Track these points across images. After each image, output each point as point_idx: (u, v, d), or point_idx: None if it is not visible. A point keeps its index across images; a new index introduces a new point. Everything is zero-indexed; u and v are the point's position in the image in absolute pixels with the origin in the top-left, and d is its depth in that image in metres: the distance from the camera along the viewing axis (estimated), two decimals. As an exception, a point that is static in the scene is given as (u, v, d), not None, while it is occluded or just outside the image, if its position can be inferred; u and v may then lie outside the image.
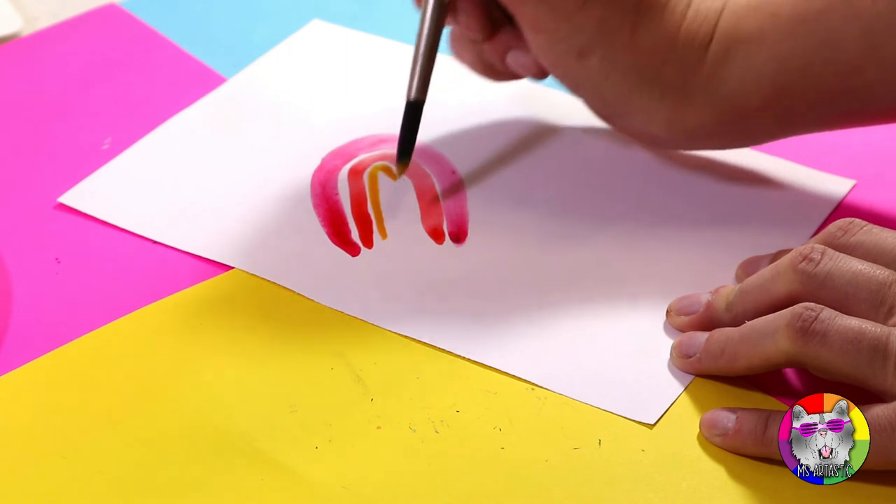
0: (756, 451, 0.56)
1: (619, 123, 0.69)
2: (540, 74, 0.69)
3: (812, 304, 0.56)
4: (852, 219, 0.60)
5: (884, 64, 0.63)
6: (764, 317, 0.58)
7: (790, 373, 0.60)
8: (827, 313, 0.56)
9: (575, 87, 0.68)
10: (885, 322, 0.56)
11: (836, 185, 0.70)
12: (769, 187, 0.70)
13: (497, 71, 0.71)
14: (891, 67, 0.63)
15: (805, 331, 0.56)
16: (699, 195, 0.70)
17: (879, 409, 0.55)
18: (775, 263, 0.60)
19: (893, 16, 0.63)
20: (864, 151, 0.72)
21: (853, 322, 0.56)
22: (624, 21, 0.65)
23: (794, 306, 0.57)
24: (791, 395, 0.59)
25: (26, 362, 0.61)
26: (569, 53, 0.66)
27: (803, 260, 0.58)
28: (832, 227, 0.60)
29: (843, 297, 0.57)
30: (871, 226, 0.60)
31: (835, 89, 0.65)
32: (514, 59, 0.69)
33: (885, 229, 0.60)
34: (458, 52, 0.71)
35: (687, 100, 0.66)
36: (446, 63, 0.77)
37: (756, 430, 0.56)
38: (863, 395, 0.56)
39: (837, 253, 0.58)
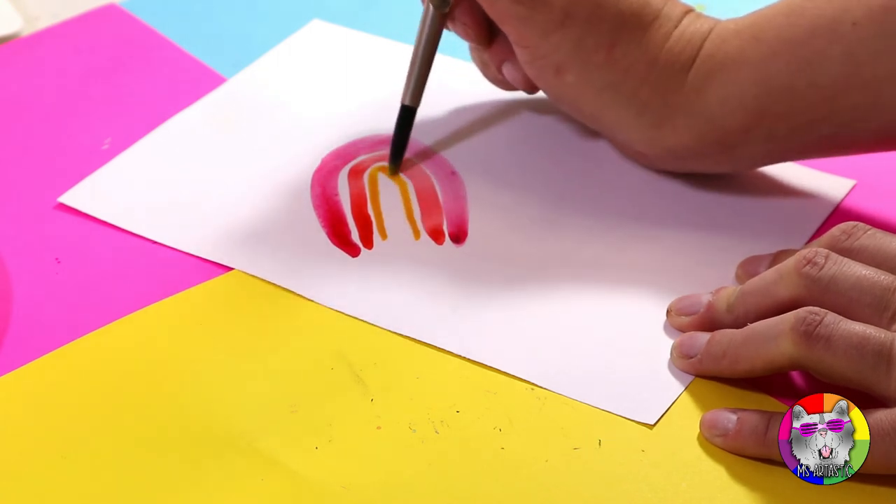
0: (757, 452, 0.56)
1: (607, 137, 0.71)
2: (530, 88, 0.71)
3: (816, 309, 0.56)
4: (856, 222, 0.60)
5: (866, 87, 0.64)
6: (767, 320, 0.58)
7: (791, 373, 0.60)
8: (831, 318, 0.56)
9: (556, 100, 0.70)
10: (888, 327, 0.56)
11: (836, 186, 0.70)
12: (769, 187, 0.70)
13: (501, 80, 0.72)
14: (873, 91, 0.64)
15: (809, 335, 0.56)
16: (699, 195, 0.70)
17: (882, 414, 0.55)
18: (778, 266, 0.59)
19: (874, 40, 0.63)
20: (864, 152, 0.72)
21: (857, 327, 0.56)
22: (601, 41, 0.66)
23: (798, 310, 0.57)
24: (791, 395, 0.59)
25: (26, 362, 0.61)
26: (547, 69, 0.67)
27: (807, 264, 0.58)
28: (836, 230, 0.60)
29: (847, 302, 0.57)
30: (874, 230, 0.60)
31: (818, 111, 0.65)
32: (507, 71, 0.71)
33: (889, 234, 0.59)
34: (473, 58, 0.73)
35: (667, 119, 0.67)
36: (447, 64, 0.77)
37: (757, 432, 0.56)
38: (865, 400, 0.56)
39: (841, 257, 0.58)
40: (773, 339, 0.57)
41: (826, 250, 0.58)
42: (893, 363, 0.55)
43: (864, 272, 0.57)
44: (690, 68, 0.66)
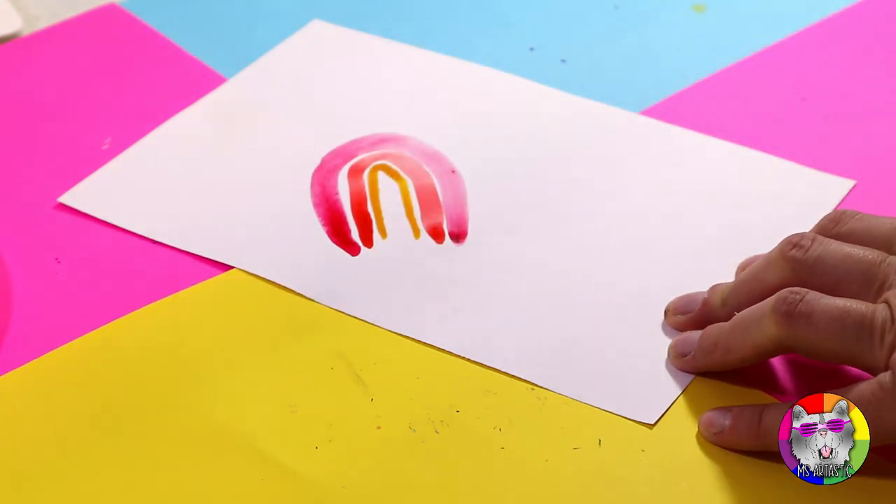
0: (753, 443, 0.56)
1: None
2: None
3: (797, 288, 0.56)
4: (845, 209, 0.60)
5: None
6: (752, 307, 0.58)
7: (789, 371, 0.60)
8: (812, 295, 0.56)
9: None
10: (874, 300, 0.56)
11: (836, 185, 0.70)
12: (769, 187, 0.70)
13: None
14: None
15: (790, 314, 0.56)
16: (699, 196, 0.70)
17: (863, 385, 0.55)
18: (766, 254, 0.60)
19: None
20: (864, 151, 0.71)
21: (838, 301, 0.56)
22: None
23: (780, 291, 0.57)
24: (790, 393, 0.59)
25: (26, 362, 0.61)
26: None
27: (793, 247, 0.58)
28: (824, 219, 0.60)
29: (835, 282, 0.57)
30: (862, 214, 0.60)
31: None
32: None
33: (876, 216, 0.59)
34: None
35: None
36: (447, 63, 0.77)
37: (751, 424, 0.56)
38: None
39: (827, 239, 0.58)
40: (757, 322, 0.57)
41: (812, 234, 0.58)
42: (875, 332, 0.55)
43: (849, 250, 0.57)
44: None
